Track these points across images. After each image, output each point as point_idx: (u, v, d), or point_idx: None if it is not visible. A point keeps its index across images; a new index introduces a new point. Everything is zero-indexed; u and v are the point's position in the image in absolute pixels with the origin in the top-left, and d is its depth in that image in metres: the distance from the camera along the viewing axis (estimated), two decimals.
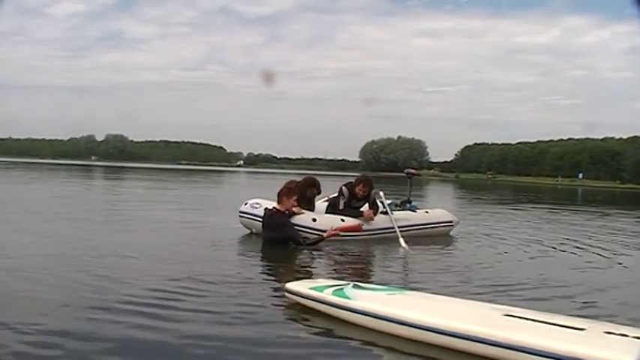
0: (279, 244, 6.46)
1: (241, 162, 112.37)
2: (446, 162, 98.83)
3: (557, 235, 8.98)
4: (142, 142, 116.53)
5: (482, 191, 34.20)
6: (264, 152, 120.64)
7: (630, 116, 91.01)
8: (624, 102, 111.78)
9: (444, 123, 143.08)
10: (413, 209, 8.21)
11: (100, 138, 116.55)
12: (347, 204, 7.40)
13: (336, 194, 7.56)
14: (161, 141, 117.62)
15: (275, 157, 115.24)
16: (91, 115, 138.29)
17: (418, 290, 4.17)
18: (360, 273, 5.57)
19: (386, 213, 7.36)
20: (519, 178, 70.57)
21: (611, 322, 3.26)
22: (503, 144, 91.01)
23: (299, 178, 7.75)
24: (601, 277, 5.73)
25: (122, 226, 8.18)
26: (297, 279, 4.36)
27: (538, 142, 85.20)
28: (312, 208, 7.28)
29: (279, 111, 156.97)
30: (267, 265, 6.00)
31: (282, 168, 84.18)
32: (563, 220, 13.44)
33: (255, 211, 7.19)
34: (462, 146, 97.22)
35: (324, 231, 6.63)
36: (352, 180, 7.62)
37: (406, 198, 8.56)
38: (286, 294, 3.97)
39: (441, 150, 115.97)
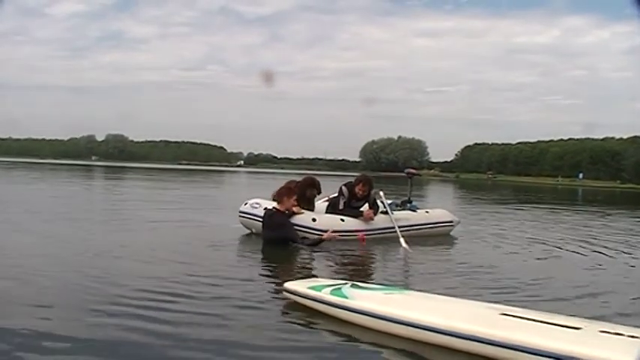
0: (279, 243, 6.47)
1: (241, 162, 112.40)
2: (446, 162, 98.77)
3: (557, 235, 8.98)
4: (142, 142, 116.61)
5: (482, 191, 34.19)
6: (264, 152, 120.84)
7: (630, 116, 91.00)
8: (624, 102, 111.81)
9: (444, 123, 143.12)
10: (413, 209, 8.20)
11: (100, 138, 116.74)
12: (347, 204, 7.40)
13: (336, 194, 7.57)
14: (161, 141, 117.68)
15: (275, 157, 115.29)
16: (91, 115, 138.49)
17: (417, 290, 4.17)
18: (360, 273, 5.57)
19: (386, 213, 7.36)
20: (519, 178, 70.53)
21: (613, 321, 3.26)
22: (503, 144, 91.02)
23: (299, 178, 7.75)
24: (601, 277, 5.72)
25: (122, 226, 8.18)
26: (297, 278, 4.38)
27: (538, 142, 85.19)
28: (311, 208, 7.28)
29: (279, 111, 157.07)
30: (267, 265, 6.00)
31: (282, 168, 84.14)
32: (564, 220, 13.42)
33: (254, 211, 7.20)
34: (462, 146, 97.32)
35: (324, 231, 6.63)
36: (352, 180, 7.61)
37: (406, 198, 8.55)
38: (285, 293, 3.99)
39: (441, 150, 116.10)
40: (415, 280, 5.14)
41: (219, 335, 3.32)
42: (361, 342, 3.30)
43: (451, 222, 8.49)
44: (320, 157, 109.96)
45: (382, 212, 7.42)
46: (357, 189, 7.37)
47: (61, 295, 4.05)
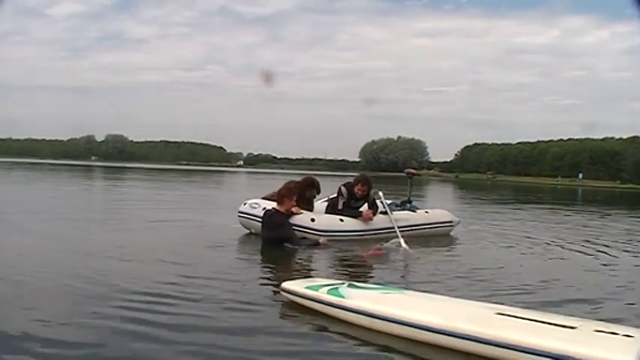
0: (278, 243, 6.46)
1: (241, 162, 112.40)
2: (446, 162, 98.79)
3: (558, 235, 8.96)
4: (141, 142, 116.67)
5: (482, 191, 34.18)
6: (264, 152, 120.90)
7: (630, 116, 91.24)
8: (624, 102, 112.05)
9: (444, 123, 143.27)
10: (413, 209, 8.19)
11: (99, 138, 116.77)
12: (346, 204, 7.38)
13: (335, 195, 7.55)
14: (161, 141, 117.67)
15: (275, 158, 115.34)
16: (90, 116, 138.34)
17: (416, 290, 4.17)
18: (359, 273, 5.56)
19: (385, 213, 7.34)
20: (519, 178, 70.52)
21: (611, 321, 3.26)
22: (503, 144, 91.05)
23: (299, 179, 7.74)
24: (601, 277, 5.72)
25: (120, 226, 8.17)
26: (295, 278, 4.39)
27: (538, 142, 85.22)
28: (311, 209, 7.27)
29: (279, 111, 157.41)
30: (265, 265, 6.00)
31: (282, 168, 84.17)
32: (564, 220, 13.42)
33: (253, 212, 7.19)
34: (462, 146, 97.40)
35: (323, 231, 6.63)
36: (351, 180, 7.60)
37: (406, 198, 8.55)
38: (283, 293, 4.00)
39: (441, 150, 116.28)
40: (414, 281, 5.12)
41: (215, 335, 3.31)
42: (357, 341, 3.30)
43: (451, 222, 8.48)
44: (320, 157, 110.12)
45: (381, 212, 7.41)
46: (356, 189, 7.36)
47: (58, 296, 4.04)
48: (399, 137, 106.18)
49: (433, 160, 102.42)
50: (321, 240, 6.62)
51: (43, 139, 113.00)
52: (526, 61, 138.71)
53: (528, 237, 8.58)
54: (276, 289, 4.24)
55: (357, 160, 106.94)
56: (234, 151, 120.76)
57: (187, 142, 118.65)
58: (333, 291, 3.75)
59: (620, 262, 6.69)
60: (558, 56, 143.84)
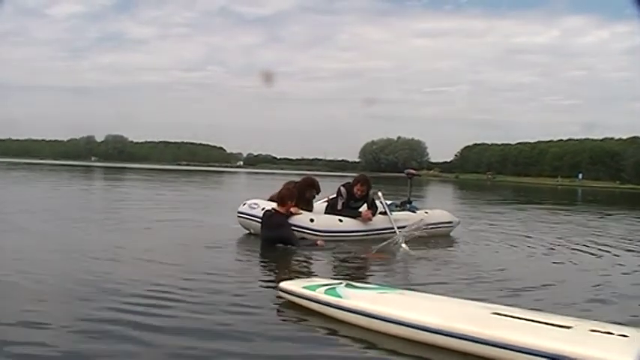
0: (278, 244, 6.47)
1: (241, 162, 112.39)
2: (446, 162, 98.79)
3: (558, 236, 8.96)
4: (141, 142, 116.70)
5: (482, 192, 34.18)
6: (263, 153, 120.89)
7: (630, 116, 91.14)
8: (624, 102, 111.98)
9: (444, 123, 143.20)
10: (413, 210, 8.18)
11: (99, 139, 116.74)
12: (345, 204, 7.37)
13: (335, 195, 7.54)
14: (161, 142, 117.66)
15: (275, 158, 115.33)
16: (90, 116, 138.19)
17: (414, 290, 4.17)
18: (358, 273, 5.56)
19: (385, 213, 7.33)
20: (519, 179, 70.52)
21: (610, 321, 3.26)
22: (502, 144, 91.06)
23: (298, 179, 7.73)
24: (601, 278, 5.68)
25: (119, 227, 8.15)
26: (294, 278, 4.40)
27: (538, 142, 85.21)
28: (310, 209, 7.26)
29: (279, 111, 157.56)
30: (264, 265, 6.00)
31: (281, 168, 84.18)
32: (564, 220, 13.41)
33: (253, 212, 7.19)
34: (462, 147, 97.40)
35: (321, 231, 6.62)
36: (351, 180, 7.59)
37: (406, 198, 8.54)
38: (280, 293, 4.01)
39: (441, 150, 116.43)
40: (413, 281, 5.12)
41: (212, 334, 3.31)
42: (354, 341, 3.31)
43: (451, 223, 8.47)
44: (319, 157, 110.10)
45: (381, 213, 7.39)
46: (355, 189, 7.35)
47: (53, 298, 4.01)
48: (399, 137, 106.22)
49: (433, 160, 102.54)
50: (319, 242, 6.62)
51: (43, 140, 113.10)
52: (526, 61, 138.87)
53: (528, 237, 8.56)
54: (274, 289, 4.24)
55: (357, 160, 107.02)
56: (234, 151, 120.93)
57: (187, 143, 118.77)
58: (331, 291, 3.76)
59: (620, 263, 6.68)
60: (558, 56, 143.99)
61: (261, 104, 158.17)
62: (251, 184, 30.30)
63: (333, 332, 3.44)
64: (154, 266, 5.22)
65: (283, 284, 4.04)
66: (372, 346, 3.24)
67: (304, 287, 3.90)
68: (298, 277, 4.56)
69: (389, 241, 6.46)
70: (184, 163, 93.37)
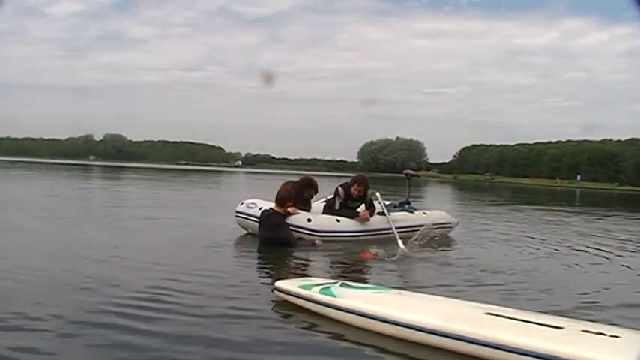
0: (275, 244, 6.46)
1: (239, 162, 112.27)
2: (444, 163, 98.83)
3: (555, 237, 8.96)
4: (140, 142, 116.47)
5: (480, 193, 34.18)
6: (262, 153, 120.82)
7: (628, 118, 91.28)
8: (623, 104, 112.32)
9: (444, 124, 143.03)
10: (411, 210, 8.16)
11: (98, 138, 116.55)
12: (343, 204, 7.36)
13: (333, 195, 7.53)
14: (159, 141, 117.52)
15: (273, 158, 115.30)
16: (89, 115, 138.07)
17: (410, 290, 4.16)
18: (355, 273, 5.55)
19: (383, 214, 7.31)
20: (517, 180, 70.50)
21: (610, 323, 3.25)
22: (501, 145, 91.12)
23: (297, 179, 7.71)
24: (599, 278, 5.69)
25: (117, 226, 8.14)
26: (290, 278, 4.38)
27: (536, 143, 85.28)
28: (308, 209, 7.25)
29: (279, 111, 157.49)
30: (261, 264, 6.00)
31: (280, 168, 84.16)
32: (562, 221, 13.40)
33: (250, 211, 7.18)
34: (461, 147, 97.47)
35: (319, 231, 6.60)
36: (349, 181, 7.57)
37: (405, 199, 8.52)
38: (276, 292, 4.00)
39: (440, 151, 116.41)
40: (410, 281, 5.11)
41: (207, 333, 3.30)
42: (348, 340, 3.30)
43: (449, 223, 8.45)
44: (318, 157, 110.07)
45: (379, 213, 7.38)
46: (352, 189, 7.34)
47: (49, 297, 3.98)
48: (398, 138, 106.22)
49: (432, 161, 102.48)
50: (317, 241, 6.62)
51: (41, 139, 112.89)
52: (526, 62, 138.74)
53: (527, 238, 8.56)
54: (270, 288, 4.23)
55: (356, 160, 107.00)
56: (232, 151, 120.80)
57: (186, 142, 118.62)
58: (326, 290, 3.77)
59: (618, 265, 6.67)
60: (558, 58, 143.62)
61: (261, 104, 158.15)
62: (249, 184, 30.30)
63: (327, 332, 3.43)
64: (151, 266, 5.19)
65: (279, 283, 4.05)
66: (366, 345, 3.23)
67: (300, 286, 3.90)
68: (294, 277, 4.54)
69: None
70: (183, 162, 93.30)
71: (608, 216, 16.32)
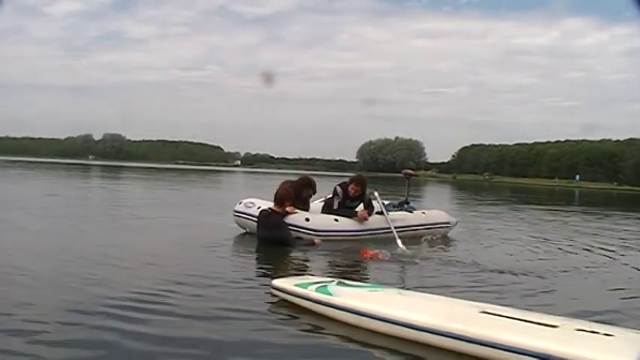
0: (274, 243, 6.46)
1: (238, 162, 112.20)
2: (443, 163, 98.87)
3: (555, 236, 8.96)
4: (139, 141, 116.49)
5: (479, 192, 34.18)
6: (261, 152, 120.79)
7: (629, 118, 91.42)
8: (623, 104, 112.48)
9: (443, 124, 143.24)
10: (410, 210, 8.16)
11: (97, 137, 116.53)
12: (341, 204, 7.35)
13: (331, 195, 7.52)
14: (159, 140, 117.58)
15: (272, 157, 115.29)
16: (88, 115, 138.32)
17: (407, 289, 4.16)
18: (352, 271, 5.54)
19: (382, 213, 7.30)
20: (516, 180, 70.52)
21: (605, 322, 3.25)
22: (500, 145, 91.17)
23: (296, 178, 7.71)
24: (598, 278, 5.69)
25: (115, 225, 8.13)
26: (287, 276, 4.39)
27: (535, 143, 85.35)
28: (306, 208, 7.24)
29: (278, 111, 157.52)
30: (259, 264, 6.00)
31: (279, 168, 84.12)
32: (561, 221, 13.41)
33: (248, 211, 7.17)
34: (460, 147, 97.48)
35: (317, 230, 6.61)
36: (348, 180, 7.57)
37: (404, 199, 8.52)
38: (272, 290, 4.01)
39: (439, 151, 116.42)
40: (407, 280, 5.12)
41: (203, 332, 3.30)
42: (343, 339, 3.30)
43: (448, 223, 8.45)
44: (318, 157, 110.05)
45: (377, 213, 7.37)
46: (350, 188, 7.33)
47: (47, 296, 3.96)
48: (397, 138, 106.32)
49: (431, 160, 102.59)
50: (316, 240, 6.61)
51: (41, 138, 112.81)
52: (526, 62, 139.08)
53: (526, 238, 8.56)
54: (267, 287, 4.23)
55: (355, 160, 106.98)
56: (231, 150, 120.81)
57: (185, 142, 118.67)
58: (322, 289, 3.77)
59: (617, 264, 6.68)
60: (558, 58, 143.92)
61: (261, 104, 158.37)
62: (248, 184, 30.28)
63: (324, 330, 3.43)
64: (148, 265, 5.19)
65: (275, 282, 4.06)
66: (361, 344, 3.24)
67: (296, 285, 3.91)
68: (292, 275, 4.54)
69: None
70: (182, 162, 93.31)
71: (608, 215, 16.33)
